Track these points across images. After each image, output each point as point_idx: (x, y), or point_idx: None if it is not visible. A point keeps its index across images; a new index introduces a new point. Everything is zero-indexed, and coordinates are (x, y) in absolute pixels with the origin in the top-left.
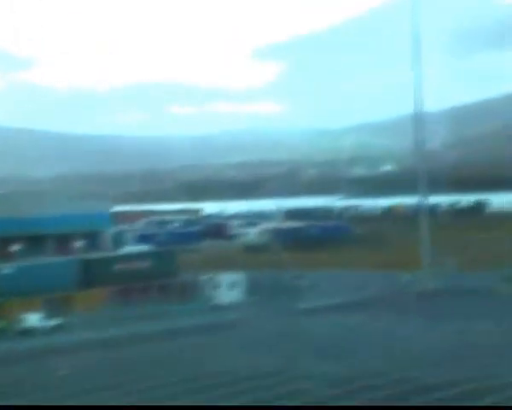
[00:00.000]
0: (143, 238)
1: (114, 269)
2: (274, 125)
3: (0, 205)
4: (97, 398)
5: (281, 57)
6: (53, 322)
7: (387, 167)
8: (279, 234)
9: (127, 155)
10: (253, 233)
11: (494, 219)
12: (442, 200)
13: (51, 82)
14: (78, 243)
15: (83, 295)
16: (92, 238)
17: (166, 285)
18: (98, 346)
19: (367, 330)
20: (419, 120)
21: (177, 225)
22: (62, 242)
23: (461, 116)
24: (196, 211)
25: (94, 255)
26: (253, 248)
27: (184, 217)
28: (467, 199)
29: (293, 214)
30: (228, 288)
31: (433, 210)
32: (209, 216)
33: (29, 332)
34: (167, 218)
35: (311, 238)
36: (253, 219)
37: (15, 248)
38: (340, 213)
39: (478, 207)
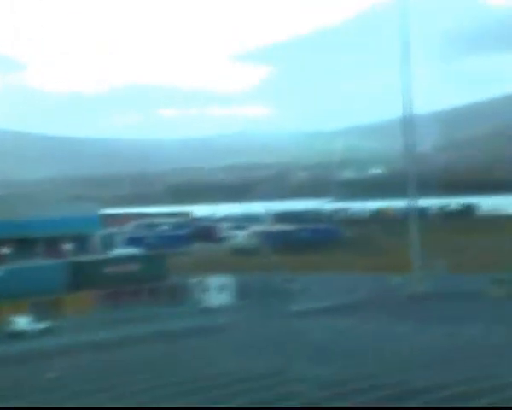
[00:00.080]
0: (133, 241)
1: (104, 272)
2: (263, 128)
3: None
4: (86, 401)
5: (270, 60)
6: (42, 325)
7: (377, 170)
8: (268, 237)
9: (117, 157)
10: (242, 236)
11: (484, 222)
12: (432, 203)
13: (43, 84)
14: (68, 246)
15: (72, 298)
16: (82, 241)
17: (156, 288)
18: (87, 349)
19: (357, 333)
20: (409, 122)
21: (166, 227)
22: (52, 244)
23: (451, 119)
24: (186, 214)
25: (83, 258)
26: (242, 251)
27: (174, 220)
28: (456, 202)
29: (282, 217)
30: (217, 291)
31: (422, 213)
32: (199, 219)
33: (18, 335)
34: (157, 221)
35: (301, 241)
36: (242, 222)
37: (4, 250)
38: (330, 216)
39: (467, 211)
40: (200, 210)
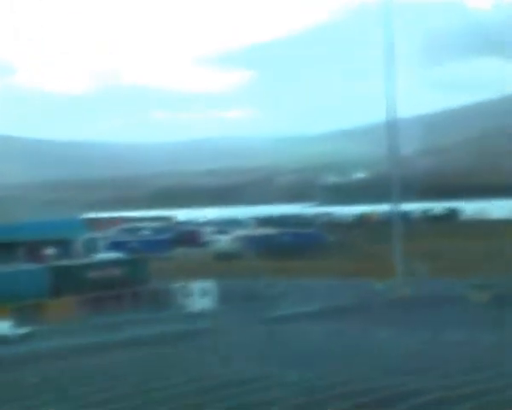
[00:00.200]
0: (115, 245)
1: (86, 277)
2: (247, 132)
3: None
4: (68, 406)
5: (254, 63)
6: (24, 330)
7: (361, 174)
8: (251, 241)
9: (100, 161)
10: (224, 241)
11: (466, 227)
12: (415, 207)
13: (26, 87)
14: (50, 251)
15: (54, 303)
16: (64, 245)
17: (138, 293)
18: (69, 354)
19: (340, 338)
20: (392, 127)
21: (149, 232)
22: (33, 249)
23: (434, 123)
24: (169, 218)
25: (65, 263)
26: (225, 256)
27: (157, 224)
28: (439, 206)
29: (265, 222)
30: (200, 296)
31: (406, 217)
32: (182, 223)
33: None
34: (140, 225)
35: (284, 246)
36: (225, 226)
37: None
38: (313, 221)
39: (451, 215)
40: (184, 214)
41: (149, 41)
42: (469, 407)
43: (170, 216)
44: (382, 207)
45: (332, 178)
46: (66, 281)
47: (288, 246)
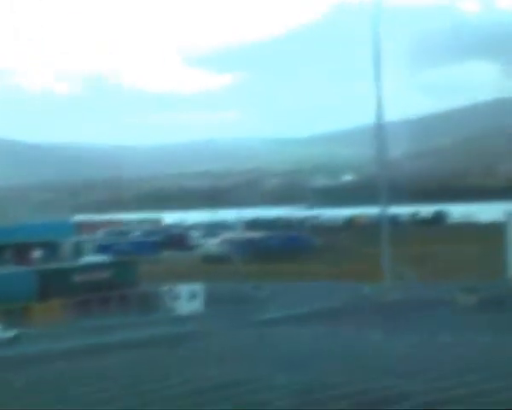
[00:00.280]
0: (103, 248)
1: (73, 279)
2: (235, 135)
3: None
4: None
5: (242, 66)
6: (10, 333)
7: (349, 177)
8: (239, 244)
9: (87, 164)
10: (212, 243)
11: (454, 230)
12: (404, 210)
13: (8, 88)
14: (37, 253)
15: (41, 306)
16: (51, 248)
17: (126, 296)
18: (56, 357)
19: (328, 341)
20: (381, 129)
21: (137, 234)
22: (20, 251)
23: (423, 126)
24: (156, 221)
25: (53, 266)
26: (212, 259)
27: (144, 227)
28: (428, 210)
29: (253, 225)
30: (188, 299)
31: (394, 220)
32: (170, 226)
33: None
34: (127, 228)
35: (272, 249)
36: (213, 229)
37: None
38: (302, 224)
39: (438, 218)
40: (171, 217)
41: (139, 42)
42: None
43: (158, 219)
44: (371, 210)
45: (320, 181)
46: (54, 284)
47: (277, 249)
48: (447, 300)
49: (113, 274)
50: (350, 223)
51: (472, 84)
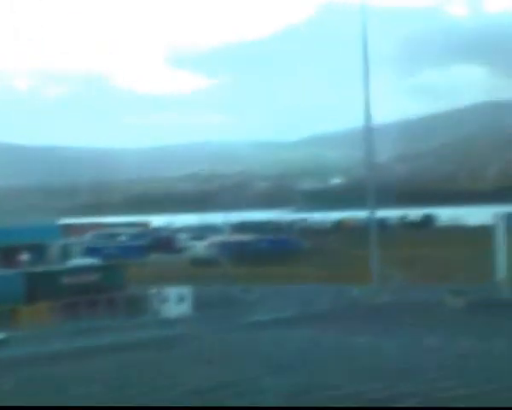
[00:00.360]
0: (91, 251)
1: (61, 282)
2: (223, 138)
3: None
4: None
5: (230, 68)
6: None
7: (337, 180)
8: (227, 247)
9: (74, 166)
10: (200, 246)
11: (443, 233)
12: (392, 213)
13: None
14: (24, 256)
15: (28, 309)
16: (38, 251)
17: (114, 299)
18: (44, 360)
19: (316, 344)
20: (368, 133)
21: (125, 237)
22: (7, 254)
23: (411, 130)
24: (144, 224)
25: (40, 268)
26: (200, 262)
27: (132, 230)
28: (416, 213)
29: (241, 228)
30: (176, 302)
31: (382, 223)
32: (158, 229)
33: None
34: (115, 231)
35: (260, 252)
36: (201, 232)
37: None
38: (290, 227)
39: (427, 221)
40: (159, 220)
41: (127, 44)
42: None
43: (145, 222)
44: (359, 213)
45: (309, 184)
46: (41, 287)
47: (265, 252)
48: (435, 302)
49: (100, 277)
50: (338, 226)
51: (460, 87)
